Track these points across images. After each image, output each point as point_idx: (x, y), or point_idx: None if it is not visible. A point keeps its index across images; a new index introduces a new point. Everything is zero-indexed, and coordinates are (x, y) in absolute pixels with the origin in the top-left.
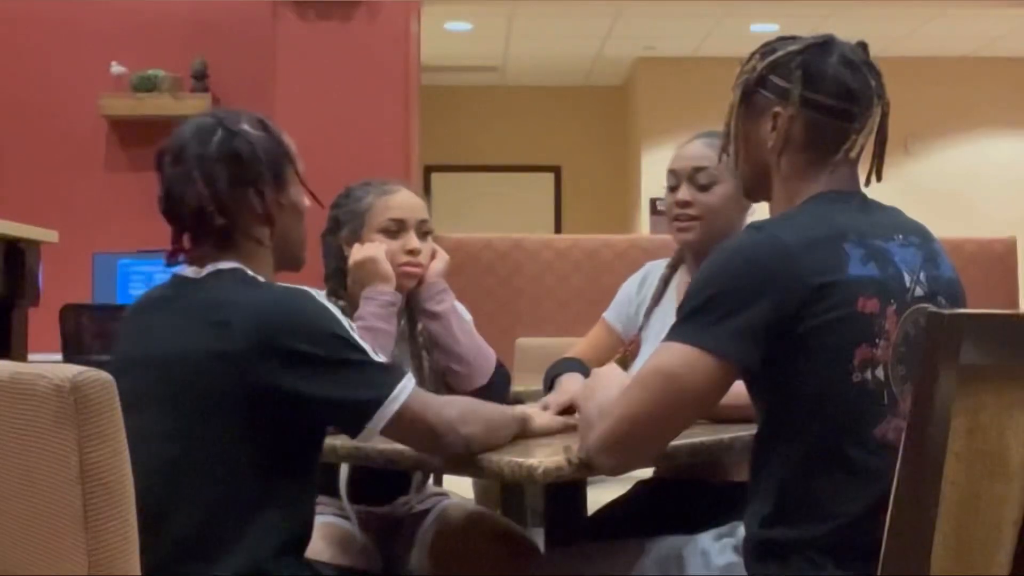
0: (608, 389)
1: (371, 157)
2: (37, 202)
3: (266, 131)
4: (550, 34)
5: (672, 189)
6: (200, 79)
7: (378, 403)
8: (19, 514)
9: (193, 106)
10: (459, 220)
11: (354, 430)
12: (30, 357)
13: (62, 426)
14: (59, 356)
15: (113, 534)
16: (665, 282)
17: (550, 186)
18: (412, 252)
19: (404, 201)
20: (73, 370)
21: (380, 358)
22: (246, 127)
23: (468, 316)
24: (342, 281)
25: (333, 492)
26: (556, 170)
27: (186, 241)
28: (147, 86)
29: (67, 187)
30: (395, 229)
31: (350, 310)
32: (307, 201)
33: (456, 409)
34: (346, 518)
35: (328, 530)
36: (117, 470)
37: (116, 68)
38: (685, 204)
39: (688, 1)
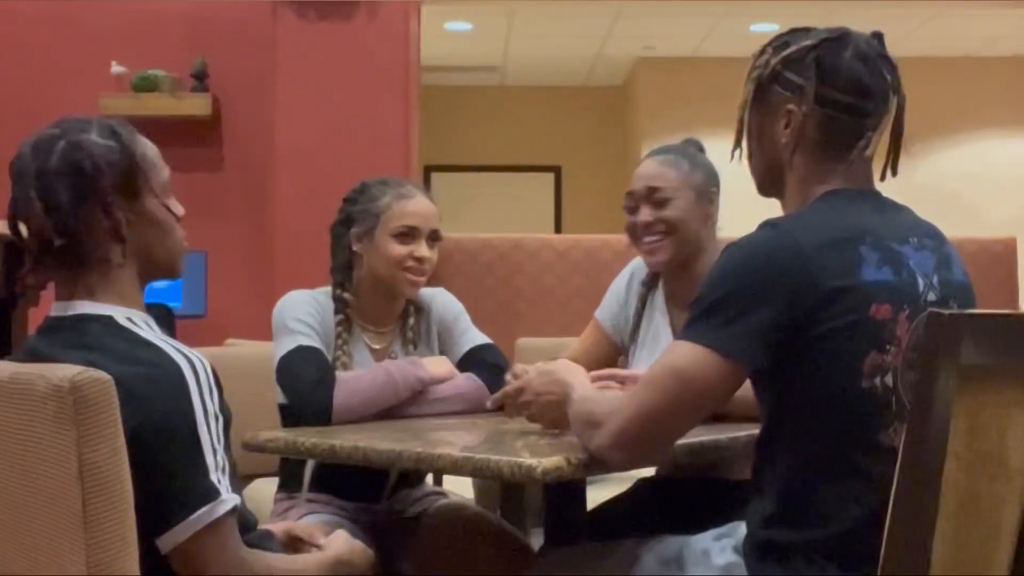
0: (584, 387)
1: (371, 157)
2: None
3: (116, 139)
4: (550, 34)
5: (631, 210)
6: (200, 79)
7: (183, 516)
8: (19, 514)
9: (193, 106)
10: (459, 220)
11: (153, 529)
12: None
13: (61, 426)
14: None
15: (112, 534)
16: (643, 301)
17: (550, 186)
18: (419, 260)
19: (420, 208)
20: (72, 370)
21: (213, 476)
22: (93, 137)
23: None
24: (349, 274)
25: (332, 490)
26: (556, 170)
27: (29, 264)
28: (147, 86)
29: None
30: (407, 234)
31: (354, 303)
32: (180, 209)
33: (249, 567)
34: (349, 519)
35: (326, 529)
36: (116, 470)
37: (116, 68)
38: (649, 225)
39: (688, 1)
